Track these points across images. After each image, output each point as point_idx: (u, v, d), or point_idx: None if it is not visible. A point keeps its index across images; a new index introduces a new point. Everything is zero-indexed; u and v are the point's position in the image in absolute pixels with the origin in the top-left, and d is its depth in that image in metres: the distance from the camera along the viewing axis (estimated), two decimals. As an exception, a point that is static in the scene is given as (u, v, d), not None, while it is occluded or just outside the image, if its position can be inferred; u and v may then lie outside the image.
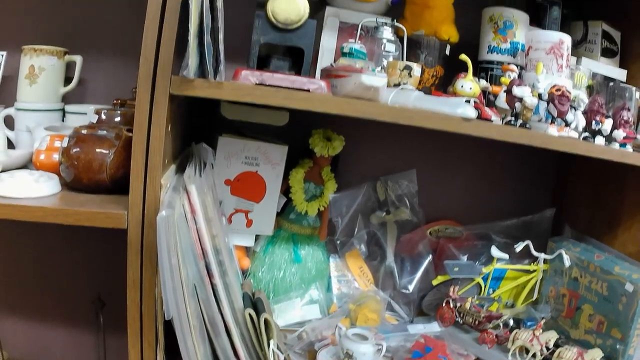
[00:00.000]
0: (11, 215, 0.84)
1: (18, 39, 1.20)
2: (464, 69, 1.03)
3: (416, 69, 1.01)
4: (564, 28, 1.26)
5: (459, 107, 0.91)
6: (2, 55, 1.19)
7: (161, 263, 0.76)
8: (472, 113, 0.91)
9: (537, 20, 1.24)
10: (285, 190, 1.17)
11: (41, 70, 1.15)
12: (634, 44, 1.33)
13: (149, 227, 0.84)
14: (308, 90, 0.85)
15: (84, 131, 0.93)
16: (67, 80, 1.20)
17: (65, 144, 0.92)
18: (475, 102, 0.98)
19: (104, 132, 0.93)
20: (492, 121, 0.97)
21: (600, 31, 1.28)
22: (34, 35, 1.22)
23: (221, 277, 0.86)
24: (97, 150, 0.91)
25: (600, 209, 1.37)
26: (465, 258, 1.31)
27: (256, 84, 0.84)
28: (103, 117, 1.04)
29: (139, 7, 1.24)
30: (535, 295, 1.33)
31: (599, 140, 1.06)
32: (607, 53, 1.29)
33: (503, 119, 1.03)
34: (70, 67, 1.20)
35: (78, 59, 1.19)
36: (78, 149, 0.91)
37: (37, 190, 0.88)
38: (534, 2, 1.26)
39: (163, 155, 0.84)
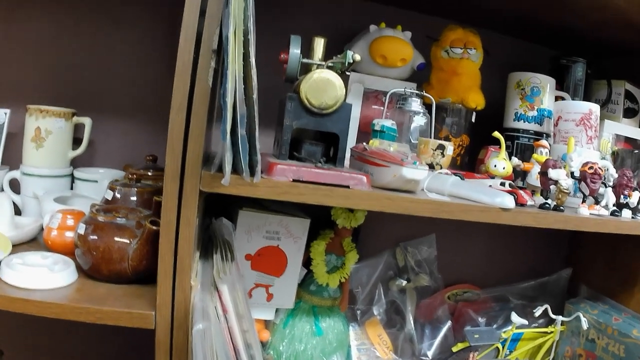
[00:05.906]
0: (25, 310, 0.77)
1: (23, 96, 1.13)
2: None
3: (449, 147, 0.98)
4: (587, 88, 1.24)
5: (497, 196, 0.87)
6: (6, 114, 1.11)
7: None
8: (510, 203, 0.87)
9: (561, 81, 1.21)
10: (306, 261, 1.12)
11: (48, 133, 1.08)
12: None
13: (178, 328, 0.79)
14: (347, 187, 0.80)
15: (100, 218, 0.87)
16: (76, 141, 1.13)
17: (82, 231, 0.87)
18: (510, 185, 0.95)
19: (124, 220, 0.87)
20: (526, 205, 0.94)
21: (623, 91, 1.27)
22: (39, 91, 1.15)
23: (252, 370, 0.83)
24: (117, 239, 0.85)
25: (616, 268, 1.36)
26: (483, 321, 1.28)
27: (293, 180, 0.79)
28: (117, 195, 0.98)
29: (149, 67, 1.18)
30: (552, 355, 1.31)
31: (626, 213, 1.04)
32: (628, 113, 1.28)
33: (533, 194, 1.00)
34: (78, 128, 1.13)
35: (87, 122, 1.11)
36: (96, 237, 0.85)
37: (52, 281, 0.82)
38: (557, 63, 1.23)
39: (192, 255, 0.79)
